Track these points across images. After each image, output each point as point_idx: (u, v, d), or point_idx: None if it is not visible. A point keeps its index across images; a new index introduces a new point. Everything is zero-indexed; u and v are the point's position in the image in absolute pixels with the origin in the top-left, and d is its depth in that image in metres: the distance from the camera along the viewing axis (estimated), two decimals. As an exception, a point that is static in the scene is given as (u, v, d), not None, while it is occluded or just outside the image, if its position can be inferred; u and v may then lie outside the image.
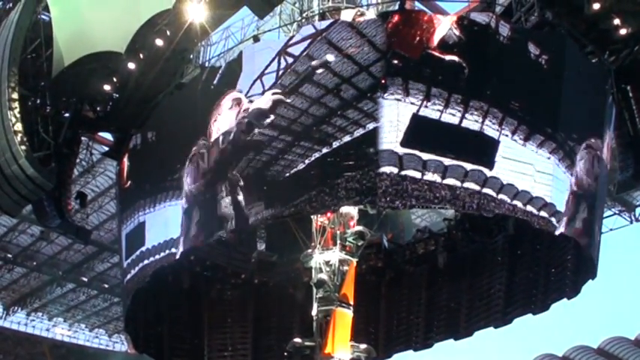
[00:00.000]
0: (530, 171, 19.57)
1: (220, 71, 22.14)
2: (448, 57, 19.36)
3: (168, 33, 23.39)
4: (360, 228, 23.44)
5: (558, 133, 20.10)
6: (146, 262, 23.35)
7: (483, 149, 19.16)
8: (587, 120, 21.50)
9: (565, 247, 23.49)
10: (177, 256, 22.00)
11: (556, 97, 20.43)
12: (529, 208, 19.31)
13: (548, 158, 19.80)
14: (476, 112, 18.99)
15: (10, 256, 46.27)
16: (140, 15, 23.18)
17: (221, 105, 20.91)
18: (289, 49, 19.94)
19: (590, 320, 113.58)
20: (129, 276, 24.47)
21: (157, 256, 22.86)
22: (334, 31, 19.57)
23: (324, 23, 20.71)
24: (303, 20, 24.16)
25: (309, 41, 19.79)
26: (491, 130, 19.08)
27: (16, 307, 53.05)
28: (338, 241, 23.01)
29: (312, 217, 23.08)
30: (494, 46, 19.83)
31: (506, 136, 19.27)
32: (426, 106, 18.82)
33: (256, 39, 22.49)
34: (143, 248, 23.69)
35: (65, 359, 54.22)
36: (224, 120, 20.67)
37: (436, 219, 35.19)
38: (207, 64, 25.49)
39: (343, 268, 22.88)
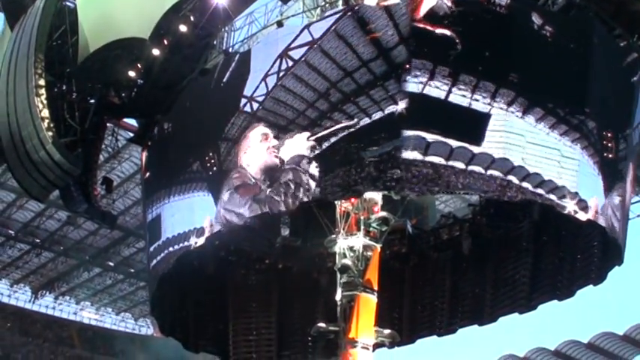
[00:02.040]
0: (555, 157, 19.43)
1: (230, 69, 22.56)
2: (439, 30, 18.98)
3: (192, 19, 23.47)
4: (384, 213, 23.37)
5: (585, 117, 19.88)
6: (171, 249, 23.63)
7: (472, 124, 19.00)
8: (615, 104, 21.24)
9: (591, 233, 23.21)
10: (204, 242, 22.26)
11: (582, 81, 20.19)
12: (552, 196, 19.21)
13: (573, 143, 19.64)
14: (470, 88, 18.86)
15: (38, 240, 46.98)
16: (164, 1, 23.23)
17: (248, 137, 21.35)
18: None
19: (616, 306, 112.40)
20: (154, 261, 24.77)
21: (181, 244, 23.19)
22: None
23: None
24: (327, 5, 24.03)
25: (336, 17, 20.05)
26: (481, 104, 18.92)
27: (44, 291, 53.94)
28: (362, 227, 22.96)
29: (336, 202, 23.06)
30: (493, 19, 19.42)
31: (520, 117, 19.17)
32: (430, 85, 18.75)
33: (280, 24, 22.45)
34: (163, 238, 24.08)
35: (92, 342, 54.96)
36: (255, 153, 21.14)
37: (460, 205, 35.07)
38: (230, 50, 25.47)
39: (367, 254, 22.87)
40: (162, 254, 24.21)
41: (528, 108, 19.20)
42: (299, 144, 20.05)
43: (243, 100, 21.68)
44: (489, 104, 18.88)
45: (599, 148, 20.29)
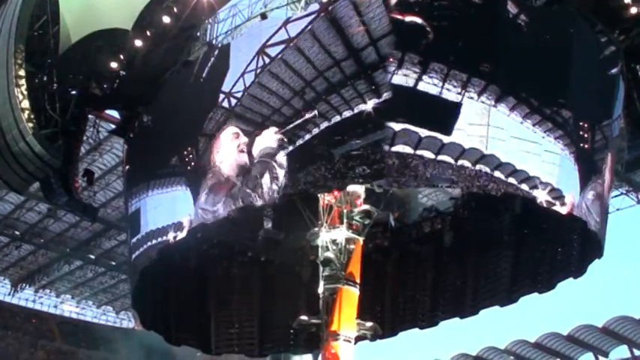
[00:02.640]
0: (536, 150, 19.57)
1: (209, 63, 22.62)
2: (409, 18, 18.96)
3: (175, 10, 23.38)
4: (366, 207, 23.38)
5: (561, 107, 20.02)
6: (151, 242, 23.70)
7: (443, 114, 19.07)
8: (595, 97, 21.39)
9: (571, 227, 23.42)
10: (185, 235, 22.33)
11: (562, 73, 20.32)
12: (528, 187, 19.43)
13: (553, 138, 19.81)
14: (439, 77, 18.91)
15: (17, 233, 46.59)
16: (147, -8, 23.09)
17: (220, 138, 21.68)
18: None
19: (596, 299, 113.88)
20: (135, 254, 24.74)
21: (161, 238, 23.30)
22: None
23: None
24: (311, -2, 23.97)
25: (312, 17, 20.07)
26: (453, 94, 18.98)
27: (24, 284, 53.53)
28: (345, 220, 22.98)
29: (319, 195, 23.07)
30: (467, 7, 19.48)
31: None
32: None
33: (264, 16, 22.39)
34: (144, 231, 24.10)
35: (73, 335, 54.67)
36: (226, 152, 21.47)
37: (443, 198, 35.13)
38: (214, 42, 25.36)
39: (350, 247, 22.89)
40: (143, 247, 24.20)
41: (501, 97, 19.30)
42: (267, 138, 20.41)
43: (222, 96, 21.78)
44: (461, 94, 18.93)
45: (575, 138, 20.39)
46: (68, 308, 56.67)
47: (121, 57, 24.55)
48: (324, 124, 19.56)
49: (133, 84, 25.11)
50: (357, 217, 23.31)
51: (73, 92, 24.97)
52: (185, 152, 22.86)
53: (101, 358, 53.23)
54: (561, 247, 24.63)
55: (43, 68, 23.73)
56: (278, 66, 20.55)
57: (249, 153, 20.76)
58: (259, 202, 20.64)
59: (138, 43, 23.84)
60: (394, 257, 28.48)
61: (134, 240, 24.97)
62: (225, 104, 21.71)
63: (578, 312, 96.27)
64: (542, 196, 19.51)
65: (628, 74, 22.79)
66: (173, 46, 24.47)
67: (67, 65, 24.24)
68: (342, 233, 22.81)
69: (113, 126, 29.98)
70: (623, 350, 46.83)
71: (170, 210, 23.24)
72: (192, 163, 22.58)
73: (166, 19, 23.40)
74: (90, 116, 27.55)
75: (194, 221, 21.99)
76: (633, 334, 45.40)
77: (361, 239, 23.20)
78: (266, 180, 20.12)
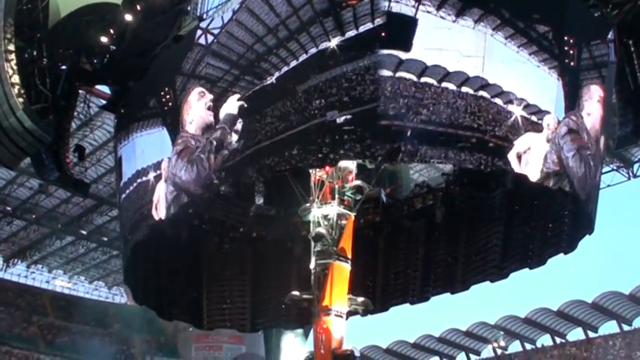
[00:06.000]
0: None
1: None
2: None
3: (165, -16, 23.12)
4: (358, 182, 23.46)
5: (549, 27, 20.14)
6: (142, 179, 24.22)
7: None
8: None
9: (562, 203, 23.53)
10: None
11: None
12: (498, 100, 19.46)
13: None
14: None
15: (9, 208, 46.53)
16: (137, -35, 22.85)
17: (189, 100, 22.38)
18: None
19: (586, 275, 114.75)
20: (124, 195, 25.35)
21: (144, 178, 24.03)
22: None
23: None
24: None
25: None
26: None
27: (16, 260, 53.54)
28: (336, 195, 23.03)
29: (310, 171, 23.07)
30: None
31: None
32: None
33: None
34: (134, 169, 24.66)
35: (65, 311, 54.80)
36: (195, 111, 22.19)
37: (434, 174, 35.22)
38: (204, 16, 25.16)
39: (341, 222, 22.97)
40: (133, 186, 24.66)
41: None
42: (230, 104, 21.10)
43: (199, 32, 22.46)
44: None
45: (558, 53, 20.33)
46: (60, 284, 56.76)
47: (111, 31, 24.36)
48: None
49: (124, 59, 24.94)
50: (348, 193, 23.38)
51: (63, 67, 24.79)
52: (162, 93, 23.59)
53: (94, 333, 53.37)
54: (552, 223, 24.68)
55: (32, 43, 23.50)
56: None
57: (215, 113, 21.47)
58: (206, 166, 21.24)
59: (128, 17, 23.64)
60: (385, 233, 28.57)
61: (122, 182, 25.58)
62: (202, 41, 22.40)
63: (569, 288, 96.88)
64: (517, 111, 19.50)
65: (620, 48, 22.75)
66: (163, 20, 24.26)
67: (57, 40, 24.04)
68: (333, 209, 22.88)
69: (104, 101, 29.77)
70: (612, 325, 47.39)
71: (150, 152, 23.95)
72: (170, 103, 23.31)
73: (157, -7, 23.21)
74: (80, 91, 27.34)
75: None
76: (622, 309, 45.85)
77: (353, 215, 23.26)
78: (219, 147, 20.97)
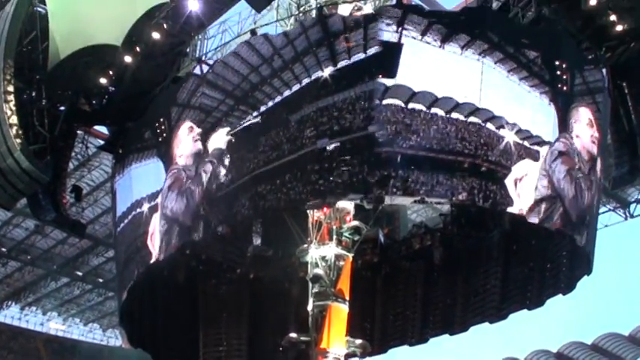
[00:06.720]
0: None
1: None
2: None
3: (165, 26, 23.41)
4: (356, 223, 23.36)
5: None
6: (136, 211, 24.51)
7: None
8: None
9: (560, 243, 23.48)
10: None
11: None
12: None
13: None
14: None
15: (4, 249, 46.20)
16: (137, 8, 23.18)
17: (178, 135, 23.11)
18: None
19: (584, 316, 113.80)
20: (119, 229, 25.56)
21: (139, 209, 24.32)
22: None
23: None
24: (301, 15, 24.08)
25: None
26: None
27: (10, 302, 53.02)
28: (334, 236, 22.93)
29: (308, 211, 23.04)
30: None
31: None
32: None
33: (254, 33, 22.44)
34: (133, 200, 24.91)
35: (59, 354, 54.07)
36: (184, 146, 22.91)
37: (432, 214, 35.19)
38: (203, 58, 25.41)
39: (339, 263, 22.82)
40: (129, 217, 24.81)
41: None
42: (218, 139, 21.62)
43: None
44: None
45: (549, 78, 20.60)
46: (54, 326, 56.05)
47: (110, 73, 24.55)
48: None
49: (122, 100, 25.10)
50: (346, 234, 23.28)
51: (62, 108, 24.91)
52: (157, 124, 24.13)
53: (88, 376, 52.66)
54: (550, 263, 24.61)
55: (31, 84, 23.67)
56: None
57: (204, 143, 22.10)
58: (197, 199, 21.73)
59: (127, 58, 23.85)
60: (384, 274, 28.40)
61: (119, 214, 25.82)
62: (197, 71, 23.20)
63: (568, 329, 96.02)
64: (509, 136, 19.69)
65: (614, 91, 23.00)
66: (162, 62, 24.49)
67: (56, 81, 24.20)
68: (331, 250, 22.76)
69: (102, 142, 29.84)
70: (612, 367, 46.83)
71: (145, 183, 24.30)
72: (164, 134, 23.89)
73: (156, 35, 23.45)
74: (79, 132, 27.46)
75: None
76: (622, 350, 45.50)
77: (351, 255, 23.15)
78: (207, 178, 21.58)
